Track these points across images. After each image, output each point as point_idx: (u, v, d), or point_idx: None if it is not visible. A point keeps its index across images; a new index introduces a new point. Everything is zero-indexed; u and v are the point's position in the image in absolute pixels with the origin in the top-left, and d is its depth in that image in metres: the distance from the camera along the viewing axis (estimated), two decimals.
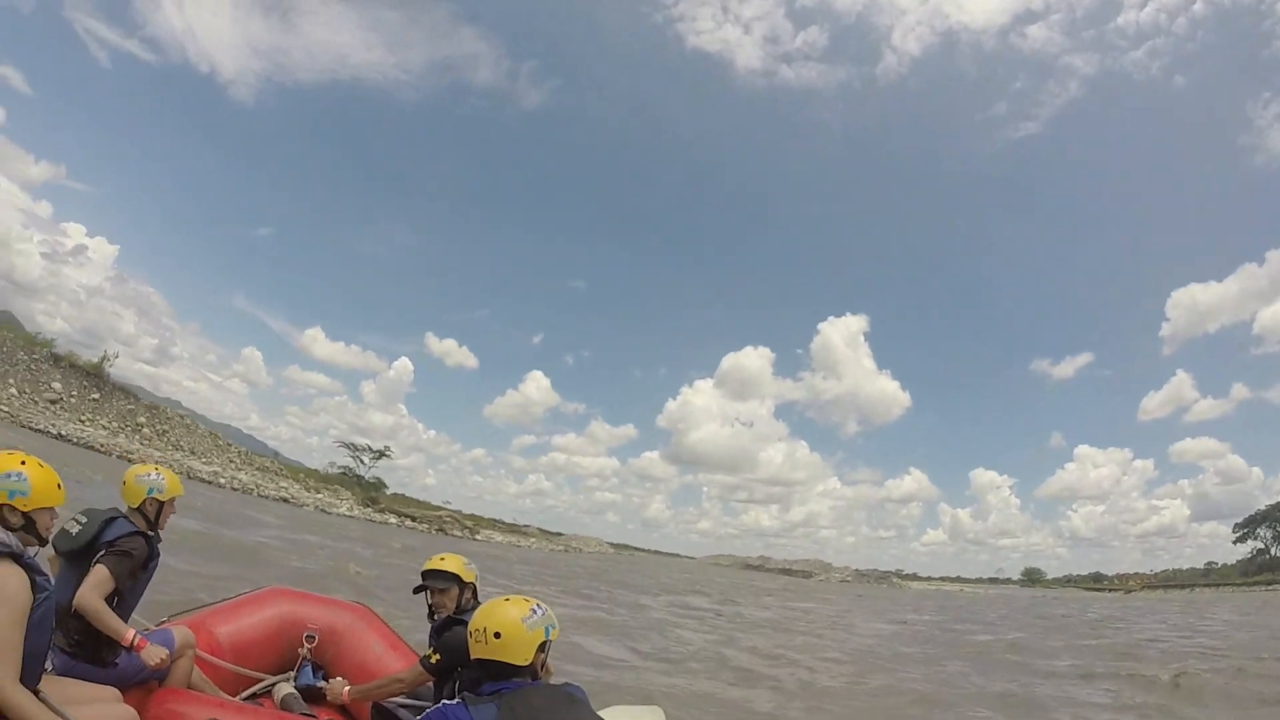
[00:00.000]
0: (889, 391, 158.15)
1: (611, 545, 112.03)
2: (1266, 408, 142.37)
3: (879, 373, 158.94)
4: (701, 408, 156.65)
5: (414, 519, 56.83)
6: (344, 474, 65.39)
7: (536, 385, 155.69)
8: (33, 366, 44.61)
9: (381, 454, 68.65)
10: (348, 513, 49.00)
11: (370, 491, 62.81)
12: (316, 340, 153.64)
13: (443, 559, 3.28)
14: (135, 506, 3.14)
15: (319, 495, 51.62)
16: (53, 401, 43.63)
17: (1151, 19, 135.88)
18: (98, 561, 2.85)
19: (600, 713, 2.52)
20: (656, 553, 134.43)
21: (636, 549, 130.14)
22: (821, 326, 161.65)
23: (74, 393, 45.80)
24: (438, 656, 2.91)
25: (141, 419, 49.20)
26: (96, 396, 47.13)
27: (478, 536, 63.09)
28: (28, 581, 2.06)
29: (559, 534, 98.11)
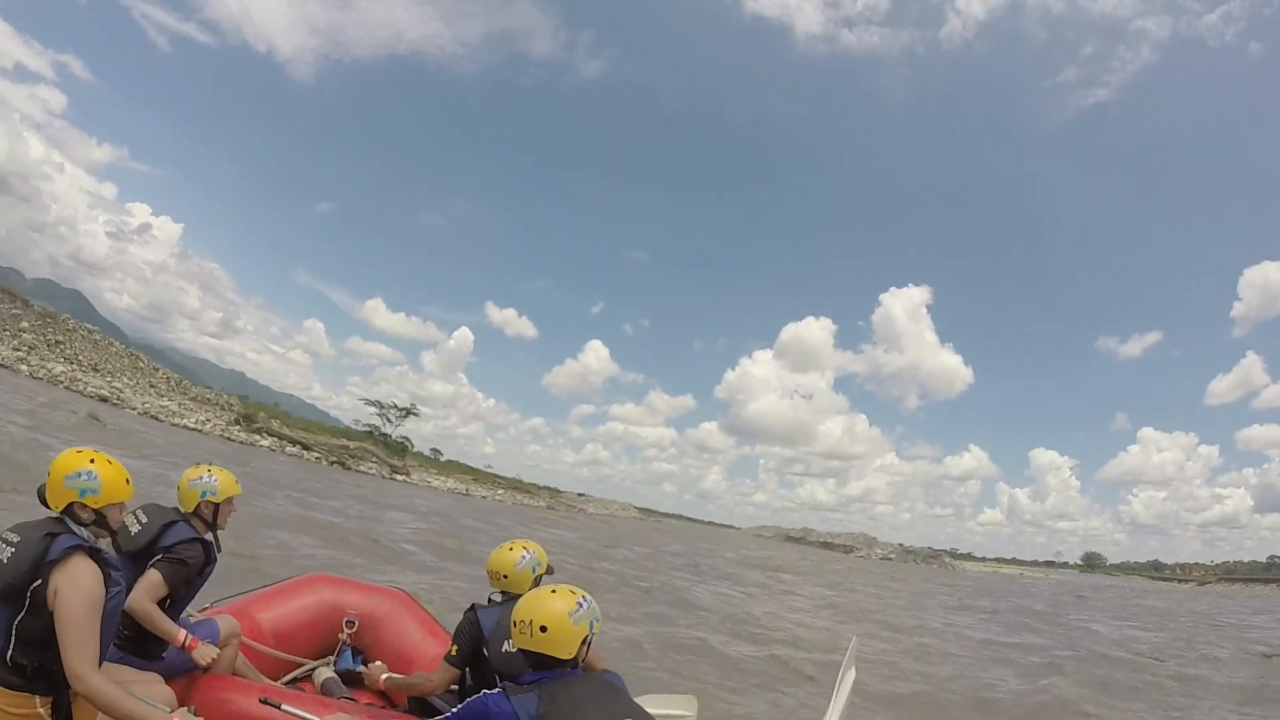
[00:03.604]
0: (951, 366, 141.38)
1: (639, 510, 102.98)
2: None
3: (941, 346, 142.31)
4: (760, 379, 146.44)
5: (305, 446, 51.16)
6: (369, 432, 63.90)
7: (595, 355, 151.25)
8: None
9: (408, 412, 67.62)
10: (195, 425, 44.09)
11: (393, 451, 60.02)
12: (378, 311, 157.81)
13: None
14: (191, 511, 3.14)
15: (164, 402, 47.34)
16: None
17: None
18: (153, 566, 2.89)
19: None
20: (710, 523, 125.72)
21: (684, 518, 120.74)
22: (883, 297, 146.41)
23: None
24: (455, 648, 2.97)
25: (25, 324, 47.63)
26: None
27: (399, 477, 56.10)
28: (101, 575, 2.17)
29: (553, 490, 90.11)
